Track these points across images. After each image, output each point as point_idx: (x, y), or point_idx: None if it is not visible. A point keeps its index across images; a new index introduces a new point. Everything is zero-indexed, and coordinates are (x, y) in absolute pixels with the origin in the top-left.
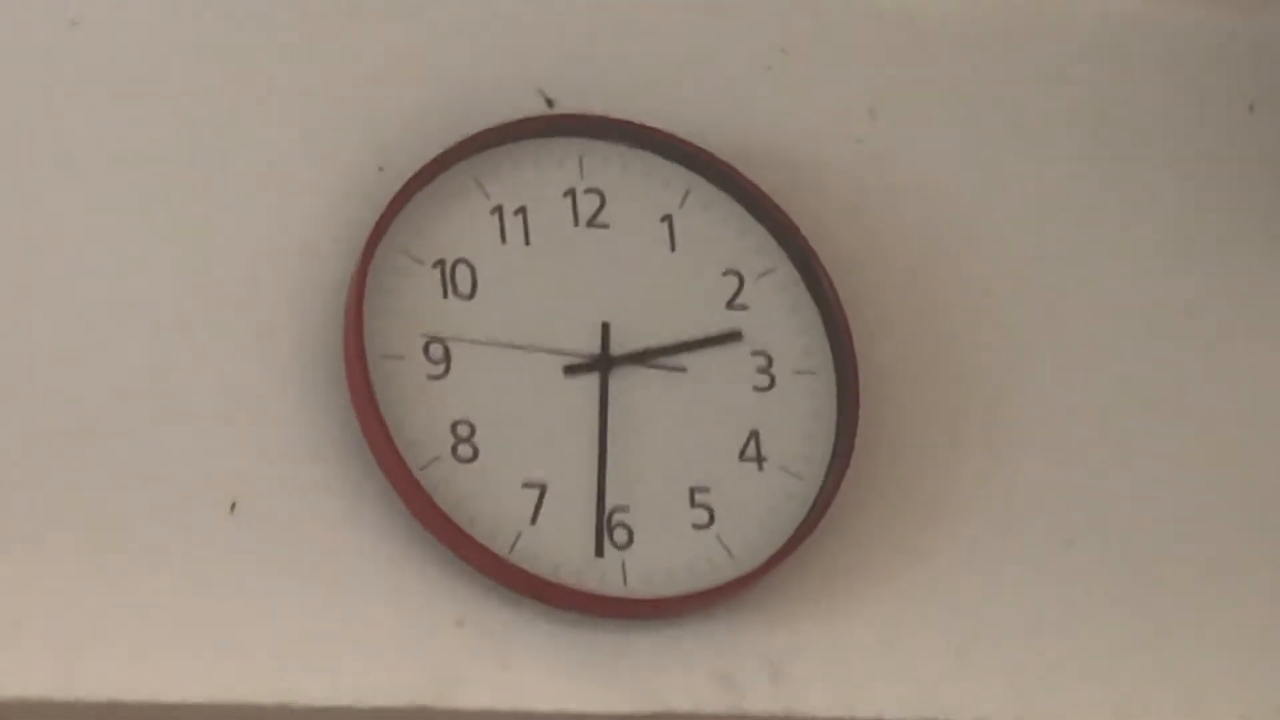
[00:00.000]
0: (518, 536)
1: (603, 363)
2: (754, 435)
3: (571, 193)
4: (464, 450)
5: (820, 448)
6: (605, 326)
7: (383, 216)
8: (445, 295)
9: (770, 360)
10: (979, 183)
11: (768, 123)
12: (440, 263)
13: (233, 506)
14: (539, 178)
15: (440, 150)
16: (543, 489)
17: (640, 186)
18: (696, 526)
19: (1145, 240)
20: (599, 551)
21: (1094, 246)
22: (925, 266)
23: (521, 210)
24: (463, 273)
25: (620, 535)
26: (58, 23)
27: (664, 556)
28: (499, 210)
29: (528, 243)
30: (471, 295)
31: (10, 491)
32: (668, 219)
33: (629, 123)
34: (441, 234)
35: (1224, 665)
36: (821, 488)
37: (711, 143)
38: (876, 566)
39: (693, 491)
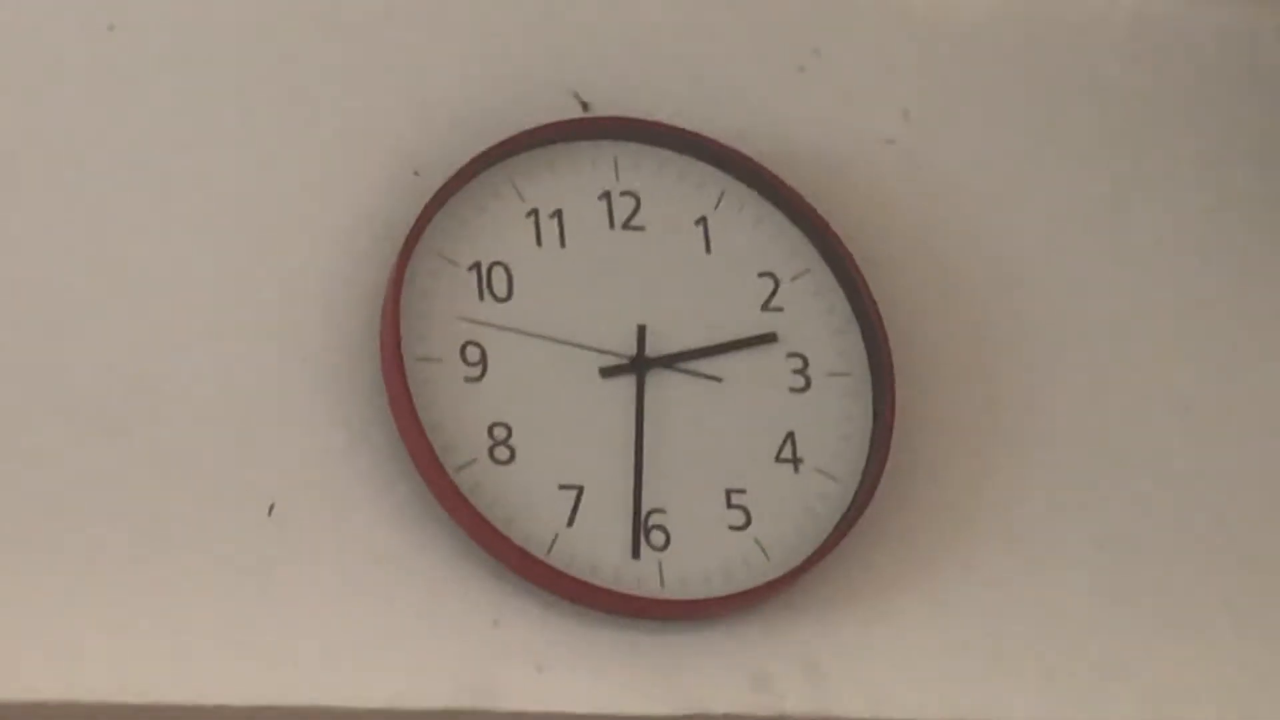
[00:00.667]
0: (555, 538)
1: (639, 365)
2: (790, 437)
3: (607, 195)
4: (501, 452)
5: (855, 449)
6: (641, 329)
7: (419, 220)
8: (481, 297)
9: (805, 362)
10: (1012, 183)
11: (801, 124)
12: (476, 265)
13: (271, 509)
14: (574, 180)
15: (476, 154)
16: (579, 491)
17: (675, 189)
18: (733, 528)
19: (1179, 240)
20: (635, 553)
21: (1127, 246)
22: (959, 267)
23: (557, 213)
24: (499, 275)
25: (657, 537)
26: (96, 28)
27: (700, 558)
28: (535, 213)
29: (563, 245)
30: (508, 297)
31: (50, 494)
32: (702, 221)
33: (663, 125)
34: (477, 237)
35: (1257, 666)
36: (857, 489)
37: (745, 145)
38: (912, 568)
39: (729, 493)
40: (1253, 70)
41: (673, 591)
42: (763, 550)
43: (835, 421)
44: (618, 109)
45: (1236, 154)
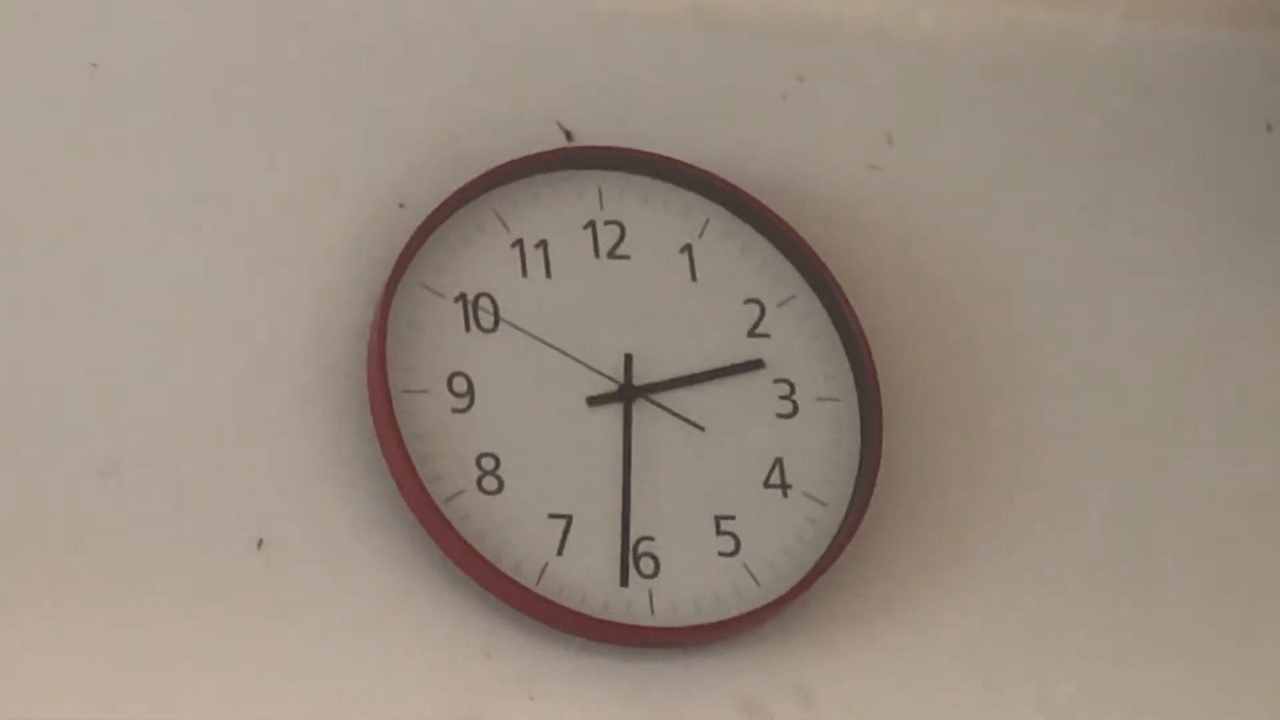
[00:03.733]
0: (544, 567)
1: (626, 393)
2: (778, 463)
3: (592, 225)
4: (489, 483)
5: (844, 474)
6: (628, 357)
7: (404, 252)
8: (468, 329)
9: (793, 387)
10: (996, 206)
11: (785, 151)
12: (462, 296)
13: (260, 543)
14: (559, 210)
15: (460, 185)
16: (569, 520)
17: (660, 217)
18: (722, 554)
19: (1165, 261)
20: (624, 581)
21: (1114, 269)
22: (945, 291)
23: (542, 243)
24: (485, 306)
25: (647, 565)
26: (79, 65)
27: (690, 585)
28: (520, 243)
29: (549, 275)
30: (494, 328)
31: (35, 530)
32: (688, 249)
33: (647, 154)
34: (463, 268)
35: (1255, 689)
36: (846, 514)
37: (730, 172)
38: (902, 593)
39: (718, 520)
40: (1230, 90)
41: (663, 619)
42: (752, 576)
43: (823, 447)
44: (601, 138)
45: (1222, 173)
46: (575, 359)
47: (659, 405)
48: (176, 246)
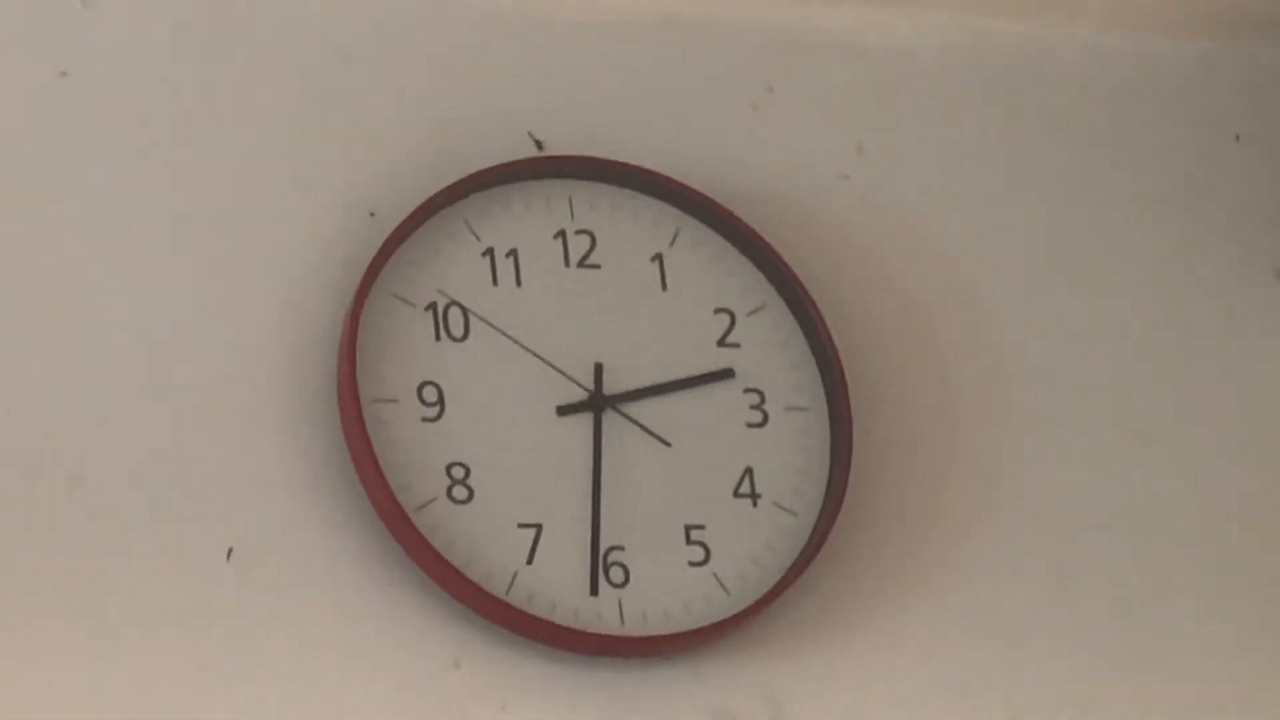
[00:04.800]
0: (514, 577)
1: (596, 402)
2: (748, 472)
3: (562, 234)
4: (459, 492)
5: (814, 483)
6: (598, 367)
7: (374, 261)
8: (438, 338)
9: (763, 397)
10: (967, 217)
11: (756, 161)
12: (432, 305)
13: (229, 553)
14: (529, 220)
15: (431, 194)
16: (538, 529)
17: (630, 227)
18: (692, 564)
19: (1134, 270)
20: (594, 590)
21: (1083, 278)
22: (914, 301)
23: (513, 252)
24: (455, 315)
25: (616, 574)
26: (48, 73)
27: (660, 594)
28: (490, 252)
29: (519, 284)
30: (464, 337)
31: (5, 545)
32: (658, 258)
33: (618, 163)
34: (433, 277)
35: (1224, 698)
36: (816, 523)
37: (700, 182)
38: (873, 601)
39: (688, 529)
40: (1199, 101)
41: (633, 628)
42: (722, 585)
43: (793, 456)
44: (572, 148)
45: (1191, 183)
46: (546, 367)
47: (628, 418)
48: (146, 255)
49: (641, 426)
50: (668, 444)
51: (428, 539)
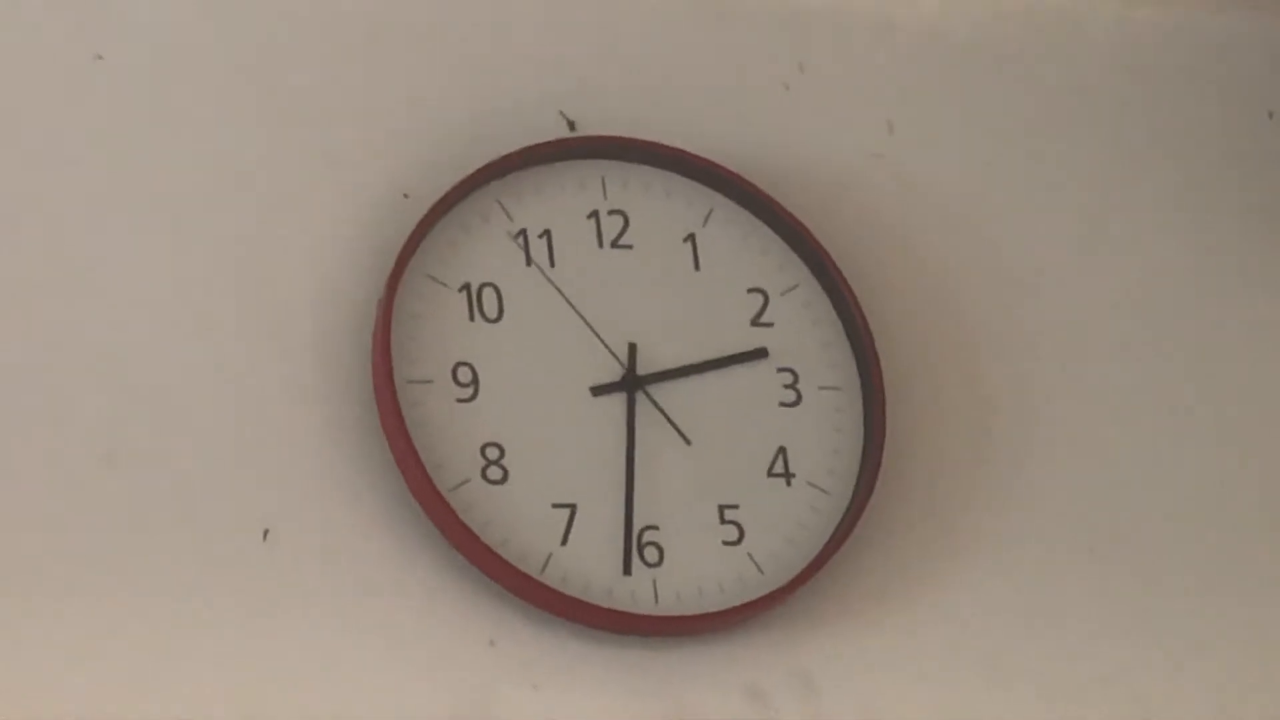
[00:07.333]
0: (548, 557)
1: (630, 382)
2: (782, 451)
3: (595, 214)
4: (494, 472)
5: (847, 462)
6: (632, 347)
7: (408, 242)
8: (472, 319)
9: (796, 376)
10: (998, 194)
11: (787, 140)
12: (466, 286)
13: (265, 533)
14: (562, 200)
15: (464, 175)
16: (573, 509)
17: (663, 206)
18: (726, 543)
19: (1166, 248)
20: (628, 570)
21: (1115, 255)
22: (947, 278)
23: (546, 233)
24: (489, 296)
25: (651, 554)
26: (83, 57)
27: (694, 574)
28: (524, 233)
29: (553, 265)
30: (498, 318)
31: (41, 523)
32: (691, 238)
33: (650, 143)
34: (467, 258)
35: (1254, 674)
36: (849, 502)
37: (732, 161)
38: (906, 580)
39: (721, 509)
40: (1232, 77)
41: (667, 607)
42: (756, 565)
43: (827, 435)
44: (604, 128)
45: (1224, 159)
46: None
47: (657, 407)
48: (181, 237)
49: (668, 418)
50: (689, 442)
51: (463, 519)
